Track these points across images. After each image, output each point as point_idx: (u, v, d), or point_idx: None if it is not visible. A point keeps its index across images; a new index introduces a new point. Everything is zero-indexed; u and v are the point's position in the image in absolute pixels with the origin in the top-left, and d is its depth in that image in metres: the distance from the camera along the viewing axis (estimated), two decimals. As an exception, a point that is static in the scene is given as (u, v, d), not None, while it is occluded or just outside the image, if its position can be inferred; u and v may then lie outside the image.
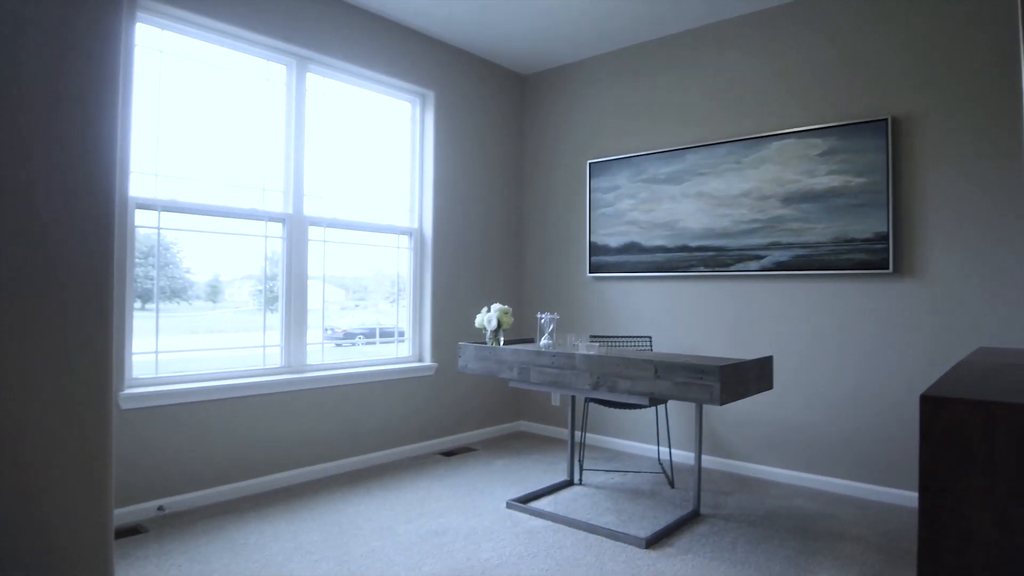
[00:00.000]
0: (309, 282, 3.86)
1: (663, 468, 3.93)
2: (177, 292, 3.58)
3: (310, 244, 3.86)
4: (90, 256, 1.49)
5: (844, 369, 3.62)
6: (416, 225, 4.49)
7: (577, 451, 4.25)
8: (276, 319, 3.75)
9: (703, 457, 4.10)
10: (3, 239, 1.36)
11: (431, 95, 4.48)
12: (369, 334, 4.36)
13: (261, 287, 3.73)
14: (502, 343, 3.46)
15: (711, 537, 2.92)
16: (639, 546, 2.80)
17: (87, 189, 1.48)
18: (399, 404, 4.21)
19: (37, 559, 1.40)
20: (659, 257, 4.29)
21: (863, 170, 3.54)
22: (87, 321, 1.48)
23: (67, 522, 1.44)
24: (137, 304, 3.24)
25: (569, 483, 3.68)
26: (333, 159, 4.03)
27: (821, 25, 3.74)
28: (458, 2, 3.92)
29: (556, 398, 4.90)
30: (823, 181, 3.68)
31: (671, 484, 3.70)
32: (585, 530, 2.98)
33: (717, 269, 4.04)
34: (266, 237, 3.68)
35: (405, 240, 4.45)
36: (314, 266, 3.89)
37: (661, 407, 4.32)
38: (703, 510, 3.29)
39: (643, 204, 4.39)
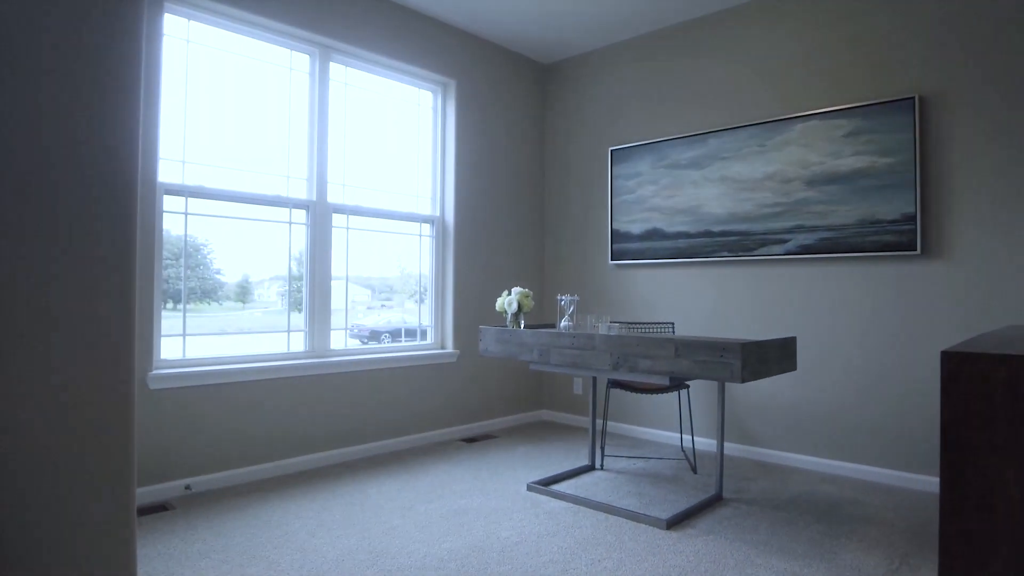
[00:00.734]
0: (335, 282, 3.91)
1: (685, 455, 3.90)
2: (208, 292, 3.65)
3: (334, 231, 3.90)
4: (113, 244, 1.51)
5: (871, 353, 3.55)
6: (438, 213, 4.52)
7: (598, 437, 4.24)
8: (302, 319, 3.80)
9: (726, 444, 4.06)
10: (27, 228, 1.39)
11: (452, 84, 4.50)
12: (395, 333, 4.40)
13: (288, 287, 3.79)
14: (523, 326, 3.46)
15: (733, 520, 2.89)
16: (660, 527, 2.78)
17: (109, 177, 1.51)
18: (421, 390, 4.24)
19: (63, 535, 1.43)
20: (681, 243, 4.26)
21: (890, 150, 3.48)
22: (110, 308, 1.50)
23: (91, 501, 1.47)
24: (169, 305, 3.32)
25: (590, 468, 3.67)
26: (356, 147, 4.08)
27: (844, 2, 3.67)
28: (478, -11, 3.94)
29: (578, 386, 4.89)
30: (848, 162, 3.61)
31: (693, 470, 3.67)
32: (605, 511, 2.97)
33: (740, 254, 4.00)
34: (290, 224, 3.74)
35: (427, 228, 4.48)
36: (338, 260, 3.93)
37: (683, 393, 4.28)
38: (726, 494, 3.26)
39: (665, 190, 4.36)
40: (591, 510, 2.99)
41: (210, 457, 3.27)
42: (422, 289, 4.48)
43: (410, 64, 4.21)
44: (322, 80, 3.87)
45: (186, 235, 3.36)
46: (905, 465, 3.43)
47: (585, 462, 3.79)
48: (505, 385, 4.81)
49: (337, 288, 3.95)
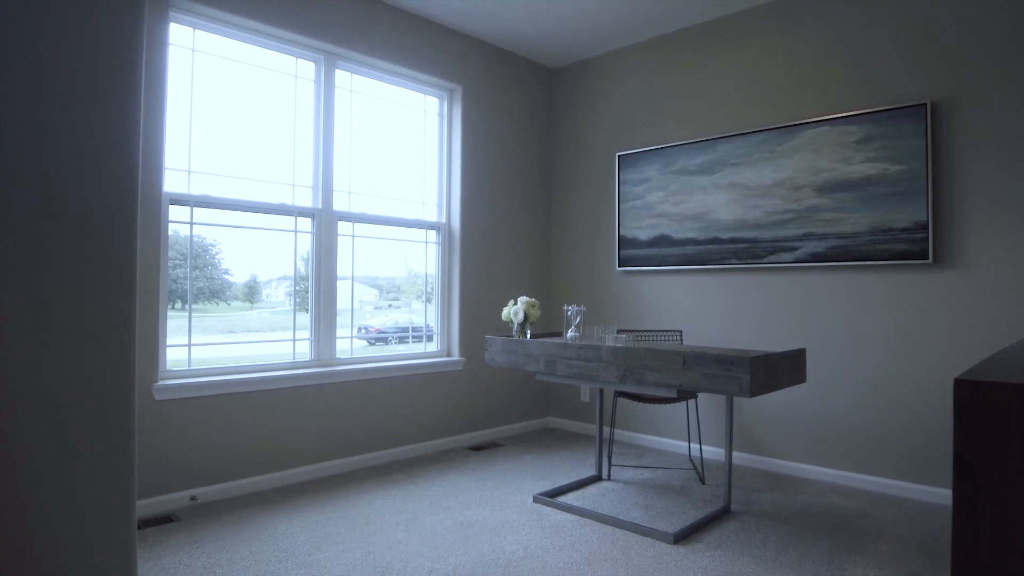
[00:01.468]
0: (341, 282, 3.90)
1: (694, 465, 3.86)
2: (216, 292, 3.65)
3: (339, 239, 3.89)
4: (113, 253, 1.50)
5: (882, 363, 3.50)
6: (444, 219, 4.50)
7: (605, 447, 4.21)
8: (308, 321, 3.80)
9: (735, 454, 4.02)
10: (27, 235, 1.38)
11: (459, 89, 4.48)
12: (402, 333, 4.39)
13: (297, 287, 3.78)
14: (529, 336, 3.44)
15: (741, 534, 2.86)
16: (667, 541, 2.75)
17: (109, 184, 1.50)
18: (427, 399, 4.22)
19: (61, 548, 1.42)
20: (690, 250, 4.22)
21: (901, 157, 3.42)
22: (110, 317, 1.49)
23: (90, 513, 1.46)
24: (177, 305, 3.32)
25: (597, 478, 3.64)
26: (362, 154, 4.07)
27: (856, 6, 3.62)
28: (484, -5, 3.91)
29: (585, 393, 4.86)
30: (859, 169, 3.57)
31: (701, 481, 3.63)
32: (612, 524, 2.94)
33: (749, 261, 3.95)
34: (295, 232, 3.73)
35: (433, 235, 4.46)
36: (344, 264, 3.92)
37: (692, 402, 4.24)
38: (734, 507, 3.22)
39: (673, 196, 4.32)
40: (598, 523, 2.97)
41: (216, 467, 3.26)
42: (429, 289, 4.46)
43: (416, 70, 4.19)
44: (328, 87, 3.86)
45: (191, 245, 3.35)
46: (916, 476, 3.38)
47: (592, 472, 3.76)
48: (511, 392, 4.78)
49: (343, 288, 3.93)
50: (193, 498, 3.17)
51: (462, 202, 4.46)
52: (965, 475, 1.24)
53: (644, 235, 4.46)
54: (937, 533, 2.88)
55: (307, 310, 3.79)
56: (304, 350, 3.76)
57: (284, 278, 3.79)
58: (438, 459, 4.05)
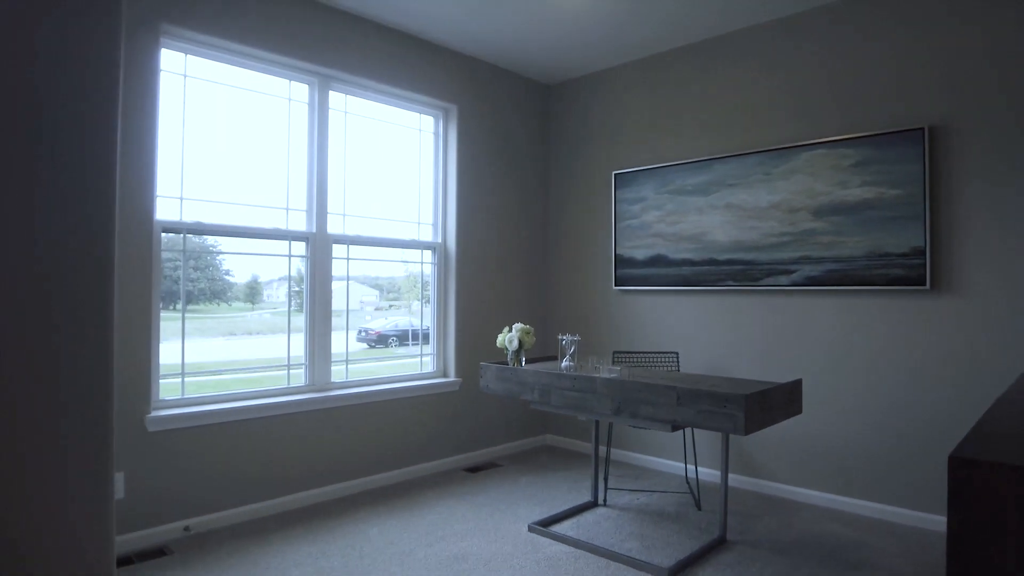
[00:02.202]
0: (338, 284, 3.88)
1: (690, 488, 3.85)
2: (217, 293, 3.64)
3: (334, 262, 3.87)
4: (89, 282, 1.47)
5: (879, 388, 3.49)
6: (440, 239, 4.48)
7: (602, 468, 4.19)
8: (303, 345, 3.78)
9: (731, 476, 4.00)
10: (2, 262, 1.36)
11: (454, 109, 4.45)
12: (403, 336, 4.38)
13: (297, 288, 3.78)
14: (524, 363, 3.42)
15: (737, 567, 2.84)
16: (662, 576, 2.74)
17: (85, 211, 1.46)
18: (423, 420, 4.20)
19: None
20: (686, 270, 4.20)
21: (898, 182, 3.40)
22: (86, 347, 1.46)
23: (66, 551, 1.44)
24: (178, 306, 3.29)
25: (593, 504, 3.63)
26: (356, 175, 4.04)
27: (852, 30, 3.60)
28: (481, 15, 3.89)
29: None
30: (856, 193, 3.54)
31: (698, 506, 3.62)
32: (607, 557, 2.93)
33: (746, 284, 3.93)
34: (290, 257, 3.71)
35: (429, 255, 4.44)
36: (339, 268, 3.90)
37: (689, 423, 4.22)
38: (730, 535, 3.21)
39: (669, 216, 4.30)
40: (592, 555, 2.95)
41: (210, 497, 3.25)
42: (421, 292, 4.44)
43: (410, 90, 4.17)
44: (321, 109, 3.83)
45: (184, 275, 3.33)
46: (913, 503, 3.37)
47: (588, 497, 3.75)
48: (509, 411, 4.77)
49: (339, 290, 3.92)
50: (187, 528, 3.16)
51: (458, 221, 4.44)
52: (958, 558, 1.22)
53: (641, 254, 4.44)
54: (931, 563, 2.87)
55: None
56: (298, 374, 3.74)
57: (285, 278, 3.78)
58: (435, 482, 4.04)
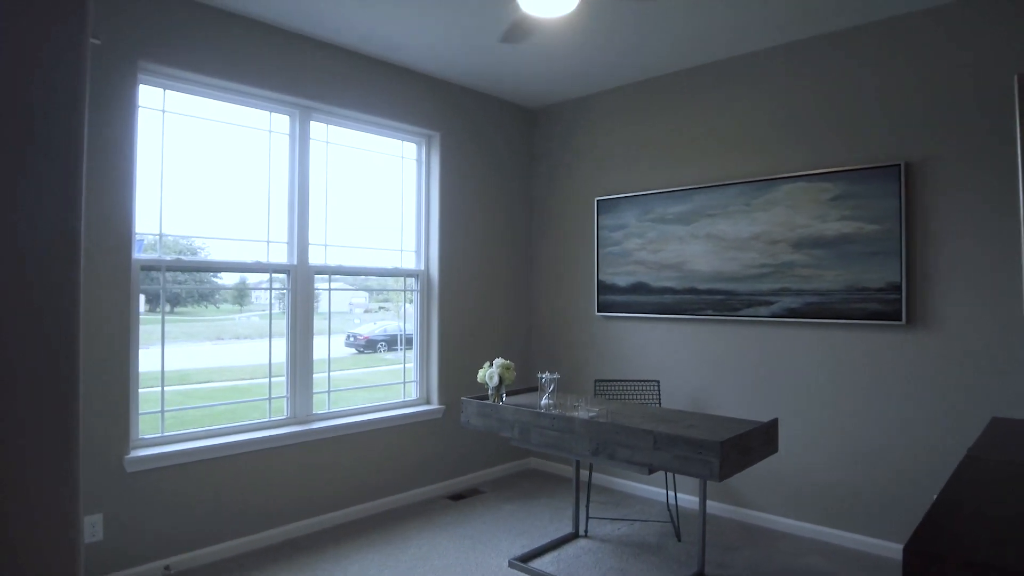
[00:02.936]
0: (323, 278, 3.88)
1: (671, 516, 3.87)
2: (205, 296, 3.63)
3: (317, 292, 3.87)
4: (53, 338, 1.42)
5: (857, 420, 3.53)
6: (423, 267, 4.48)
7: (584, 496, 4.21)
8: (284, 379, 3.78)
9: (714, 504, 4.03)
10: None
11: (437, 136, 4.46)
12: (391, 341, 4.39)
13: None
14: (504, 397, 3.43)
15: (714, 606, 2.87)
16: (639, 617, 2.75)
17: (47, 262, 1.43)
18: (407, 449, 4.21)
19: None
20: (667, 299, 4.23)
21: (876, 217, 3.44)
22: (50, 396, 1.43)
23: None
24: (167, 308, 3.28)
25: (574, 536, 3.65)
26: (338, 205, 4.04)
27: (833, 65, 3.63)
28: (463, 43, 3.89)
29: (566, 435, 4.85)
30: (834, 227, 3.58)
31: (678, 537, 3.65)
32: (586, 596, 2.94)
33: (726, 314, 3.96)
34: (271, 290, 3.70)
35: (412, 282, 4.44)
36: (322, 296, 3.90)
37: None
38: (708, 569, 3.24)
39: (651, 244, 4.32)
40: (571, 594, 2.97)
41: (190, 535, 3.24)
42: (411, 296, 4.45)
43: (392, 119, 4.17)
44: (303, 140, 3.82)
45: (163, 322, 3.29)
46: (890, 535, 3.40)
47: (569, 528, 3.77)
48: (492, 436, 4.78)
49: (325, 291, 3.92)
50: (167, 568, 3.15)
51: (440, 248, 4.45)
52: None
53: (623, 281, 4.47)
54: (907, 603, 2.90)
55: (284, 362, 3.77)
56: (280, 406, 3.74)
57: (275, 279, 3.75)
58: (417, 512, 4.05)
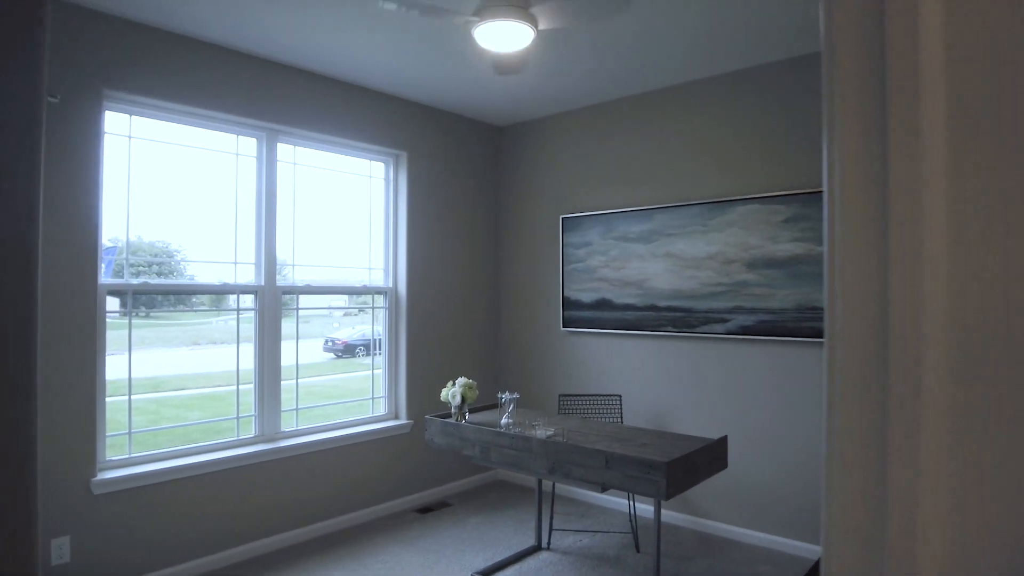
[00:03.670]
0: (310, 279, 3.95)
1: (632, 527, 4.00)
2: (181, 299, 3.66)
3: (284, 311, 3.93)
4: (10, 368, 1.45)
5: (808, 433, 3.67)
6: (391, 284, 4.56)
7: (547, 509, 4.32)
8: (252, 398, 3.84)
9: (672, 513, 4.16)
10: None
11: (404, 155, 4.54)
12: (369, 346, 4.47)
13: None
14: (467, 415, 3.53)
15: (665, 618, 2.99)
16: (593, 630, 2.87)
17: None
18: (375, 463, 4.29)
19: None
20: (629, 315, 4.35)
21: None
22: (8, 404, 1.39)
23: None
24: (142, 312, 3.33)
25: (537, 548, 3.76)
26: (307, 224, 4.11)
27: (786, 90, 3.77)
28: (428, 66, 3.97)
29: (534, 446, 4.96)
30: (786, 248, 3.72)
31: (637, 548, 3.77)
32: (543, 610, 3.05)
33: (684, 330, 4.09)
34: (238, 311, 3.76)
35: (380, 299, 4.52)
36: (290, 314, 3.97)
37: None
38: (664, 581, 3.36)
39: (614, 261, 4.44)
40: (530, 608, 3.08)
41: (158, 554, 3.30)
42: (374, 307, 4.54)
43: (359, 140, 4.24)
44: (270, 162, 3.89)
45: (130, 346, 3.34)
46: (838, 545, 3.55)
47: (532, 541, 3.88)
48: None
49: (305, 299, 3.99)
50: (134, 587, 3.21)
51: (408, 265, 4.53)
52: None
53: (587, 298, 4.58)
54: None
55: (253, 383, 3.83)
56: (248, 424, 3.80)
57: (252, 283, 3.80)
58: (386, 526, 4.13)
